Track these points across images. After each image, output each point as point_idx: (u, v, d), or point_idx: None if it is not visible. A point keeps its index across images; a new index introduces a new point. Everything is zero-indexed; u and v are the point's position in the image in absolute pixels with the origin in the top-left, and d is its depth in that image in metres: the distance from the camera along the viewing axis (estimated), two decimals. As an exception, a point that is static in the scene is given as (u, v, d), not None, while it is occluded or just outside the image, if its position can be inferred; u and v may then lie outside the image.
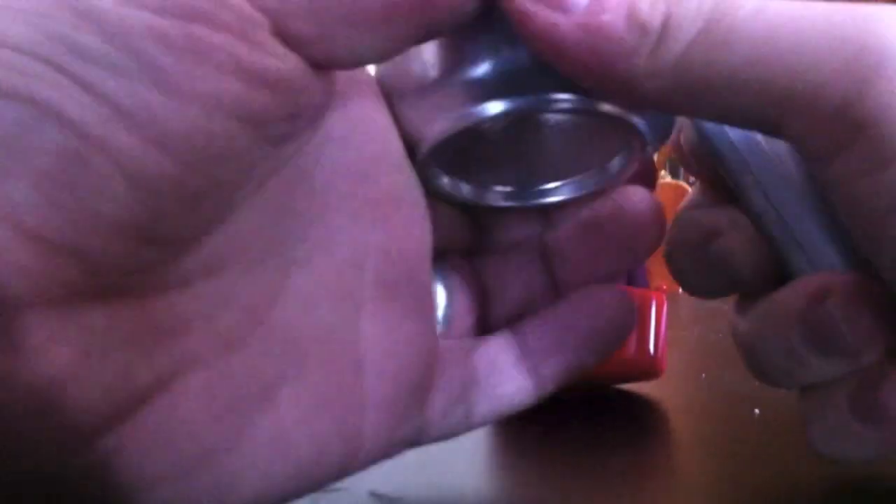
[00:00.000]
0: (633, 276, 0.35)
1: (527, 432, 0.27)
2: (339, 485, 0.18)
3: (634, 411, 0.32)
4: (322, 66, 0.14)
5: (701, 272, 0.20)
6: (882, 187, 0.14)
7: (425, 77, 0.17)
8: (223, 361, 0.15)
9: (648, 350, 0.33)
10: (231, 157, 0.13)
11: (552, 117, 0.19)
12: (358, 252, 0.17)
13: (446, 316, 0.21)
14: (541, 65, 0.16)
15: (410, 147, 0.19)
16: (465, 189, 0.21)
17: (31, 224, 0.11)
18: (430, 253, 0.19)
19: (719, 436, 0.28)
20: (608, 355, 0.21)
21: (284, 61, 0.13)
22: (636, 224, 0.21)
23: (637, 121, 0.18)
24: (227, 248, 0.15)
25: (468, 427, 0.20)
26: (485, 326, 0.22)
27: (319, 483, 0.17)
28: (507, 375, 0.20)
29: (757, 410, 0.30)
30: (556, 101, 0.17)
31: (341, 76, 0.16)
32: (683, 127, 0.21)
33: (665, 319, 0.33)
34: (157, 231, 0.13)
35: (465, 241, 0.22)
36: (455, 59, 0.17)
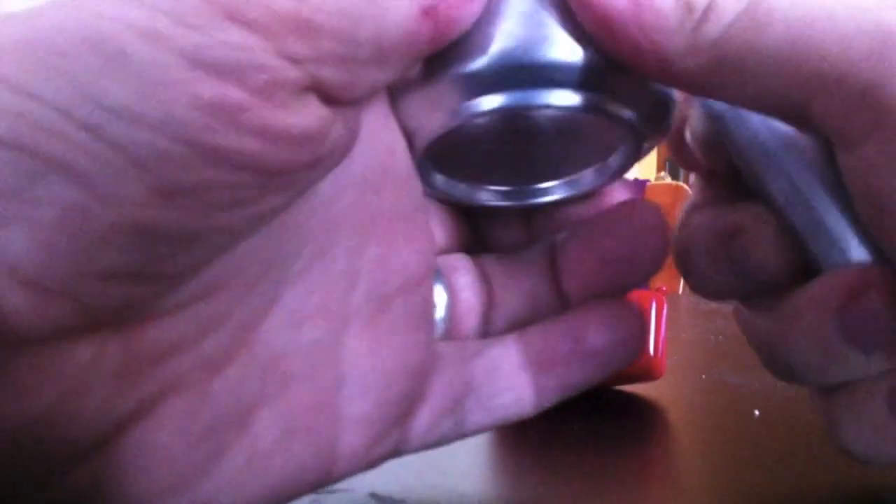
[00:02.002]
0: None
1: (527, 433, 0.27)
2: (340, 486, 0.18)
3: (634, 412, 0.32)
4: (346, 104, 0.14)
5: (720, 273, 0.20)
6: None
7: (420, 74, 0.17)
8: (205, 384, 0.15)
9: (648, 351, 0.33)
10: (241, 204, 0.13)
11: (547, 115, 0.19)
12: (353, 264, 0.17)
13: (446, 317, 0.21)
14: (534, 61, 0.16)
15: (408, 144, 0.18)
16: (461, 188, 0.21)
17: (28, 272, 0.12)
18: (433, 264, 0.19)
19: (719, 437, 0.29)
20: (615, 371, 0.20)
21: (306, 117, 0.13)
22: (643, 241, 0.20)
23: (632, 116, 0.18)
24: (224, 274, 0.15)
25: (459, 436, 0.20)
26: (490, 327, 0.22)
27: (293, 498, 0.17)
28: (507, 384, 0.20)
29: (757, 411, 0.30)
30: (551, 96, 0.17)
31: None
32: (691, 120, 0.20)
33: (665, 321, 0.33)
34: (152, 271, 0.13)
35: (471, 241, 0.22)
36: (449, 56, 0.17)
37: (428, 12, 0.14)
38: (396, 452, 0.19)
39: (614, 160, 0.20)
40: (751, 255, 0.19)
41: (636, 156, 0.20)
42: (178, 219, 0.12)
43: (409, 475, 0.23)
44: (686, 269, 0.20)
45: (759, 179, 0.19)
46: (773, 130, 0.18)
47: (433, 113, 0.17)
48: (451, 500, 0.22)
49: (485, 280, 0.21)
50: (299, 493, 0.17)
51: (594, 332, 0.20)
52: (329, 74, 0.13)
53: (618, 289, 0.21)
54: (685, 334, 0.49)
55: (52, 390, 0.12)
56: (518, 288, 0.21)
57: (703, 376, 0.37)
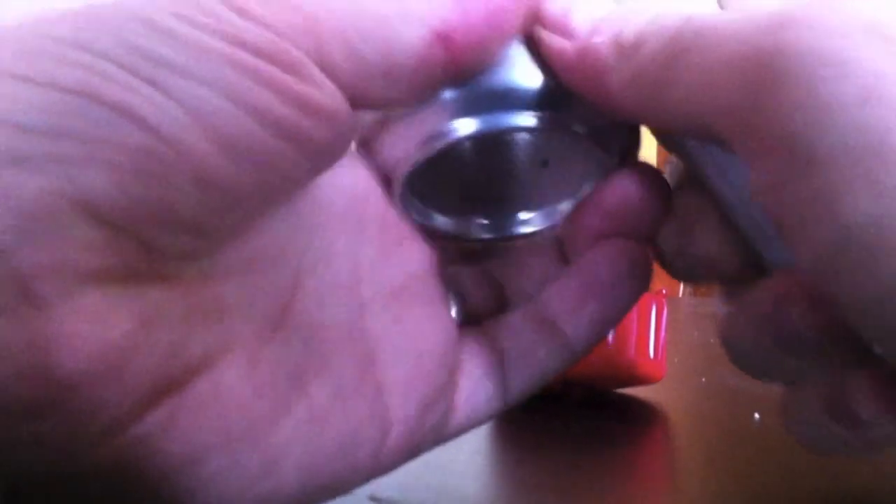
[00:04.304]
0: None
1: (527, 435, 0.27)
2: (339, 488, 0.18)
3: (634, 415, 0.32)
4: (357, 105, 0.16)
5: (683, 261, 0.20)
6: (795, 199, 0.14)
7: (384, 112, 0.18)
8: (259, 345, 0.17)
9: (648, 354, 0.33)
10: (278, 169, 0.15)
11: (518, 142, 0.19)
12: (353, 264, 0.19)
13: (462, 315, 0.21)
14: (506, 86, 0.17)
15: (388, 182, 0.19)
16: (441, 221, 0.21)
17: (102, 208, 0.13)
18: (434, 263, 0.20)
19: (719, 439, 0.29)
20: (633, 302, 0.21)
21: (332, 98, 0.15)
22: (640, 194, 0.20)
23: (596, 136, 0.19)
24: (255, 250, 0.16)
25: (504, 403, 0.20)
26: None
27: (355, 469, 0.18)
28: (534, 340, 0.20)
29: (757, 414, 0.30)
30: (519, 118, 0.18)
31: None
32: None
33: (665, 323, 0.33)
34: (208, 224, 0.14)
35: (473, 249, 0.22)
36: None
37: (442, 38, 0.16)
38: (446, 422, 0.20)
39: (587, 188, 0.21)
40: (698, 248, 0.20)
41: (607, 178, 0.20)
42: (232, 173, 0.14)
43: (407, 478, 0.23)
44: (656, 256, 0.21)
45: (706, 181, 0.19)
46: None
47: (408, 144, 0.18)
48: (450, 502, 0.22)
49: (493, 283, 0.22)
50: (360, 461, 0.18)
51: (603, 266, 0.20)
52: (340, 75, 0.15)
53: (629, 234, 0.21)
54: (685, 337, 0.49)
55: (127, 321, 0.14)
56: (528, 278, 0.22)
57: (703, 379, 0.37)
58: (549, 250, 0.22)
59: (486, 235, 0.22)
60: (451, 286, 0.21)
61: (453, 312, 0.21)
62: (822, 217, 0.13)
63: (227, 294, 0.16)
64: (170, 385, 0.15)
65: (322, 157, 0.16)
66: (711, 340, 0.48)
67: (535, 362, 0.20)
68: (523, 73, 0.18)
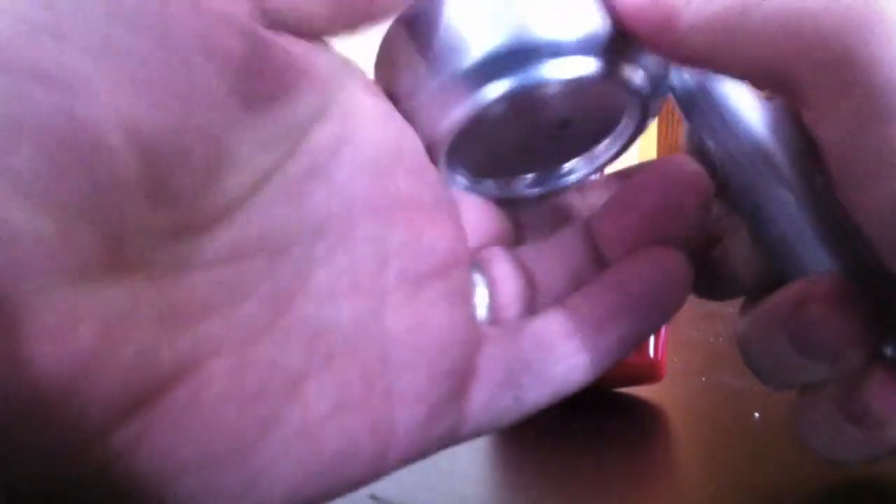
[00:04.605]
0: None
1: (527, 435, 0.27)
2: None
3: (634, 414, 0.32)
4: (278, 27, 0.15)
5: (705, 277, 0.21)
6: (872, 144, 0.14)
7: (421, 80, 0.17)
8: (246, 350, 0.15)
9: (648, 353, 0.33)
10: (212, 105, 0.13)
11: (554, 93, 0.19)
12: (379, 249, 0.17)
13: (490, 307, 0.20)
14: (529, 42, 0.17)
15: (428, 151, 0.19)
16: (488, 184, 0.21)
17: (39, 189, 0.11)
18: (464, 251, 0.19)
19: (719, 439, 0.28)
20: (668, 319, 0.20)
21: (240, 5, 0.14)
22: (678, 189, 0.20)
23: (634, 75, 0.18)
24: (246, 236, 0.15)
25: (519, 414, 0.19)
26: (535, 313, 0.21)
27: (351, 481, 0.16)
28: (558, 354, 0.19)
29: (757, 414, 0.30)
30: (553, 70, 0.17)
31: (335, 77, 0.16)
32: (683, 136, 0.21)
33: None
34: (162, 190, 0.13)
35: (505, 232, 0.22)
36: (444, 56, 0.17)
37: None
38: (456, 431, 0.18)
39: (625, 128, 0.21)
40: (726, 264, 0.20)
41: (645, 118, 0.20)
42: (164, 121, 0.13)
43: (408, 477, 0.23)
44: None
45: (732, 194, 0.19)
46: (740, 145, 0.19)
47: (446, 113, 0.18)
48: (450, 501, 0.22)
49: (524, 269, 0.21)
50: (358, 476, 0.16)
51: (637, 279, 0.19)
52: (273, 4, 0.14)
53: (661, 240, 0.20)
54: (685, 337, 0.49)
55: (88, 331, 0.12)
56: (560, 269, 0.21)
57: (704, 379, 0.37)
58: (583, 246, 0.20)
59: (533, 191, 0.21)
60: (481, 276, 0.20)
61: (479, 308, 0.20)
62: (892, 165, 0.13)
63: (212, 288, 0.14)
64: (139, 397, 0.13)
65: (255, 88, 0.14)
66: (711, 340, 0.48)
67: (557, 377, 0.19)
68: (547, 20, 0.17)
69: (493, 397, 0.18)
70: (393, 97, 0.18)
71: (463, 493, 0.23)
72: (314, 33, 0.16)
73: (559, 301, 0.20)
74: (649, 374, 0.33)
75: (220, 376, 0.14)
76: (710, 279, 0.21)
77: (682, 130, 0.21)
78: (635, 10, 0.17)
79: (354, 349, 0.16)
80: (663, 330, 0.33)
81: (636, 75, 0.18)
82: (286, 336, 0.15)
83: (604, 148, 0.21)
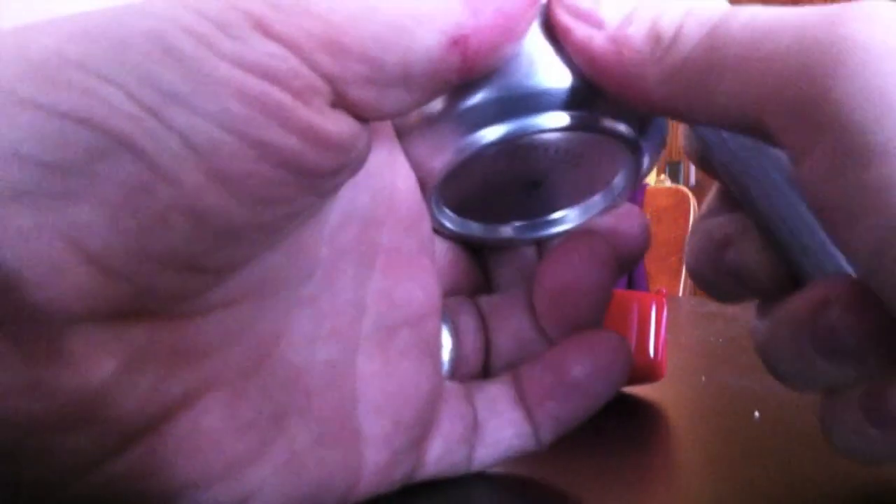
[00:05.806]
0: (633, 280, 0.36)
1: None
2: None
3: (634, 414, 0.32)
4: (370, 119, 0.15)
5: (719, 280, 0.21)
6: (850, 188, 0.13)
7: (423, 113, 0.18)
8: (240, 385, 0.16)
9: (648, 353, 0.33)
10: (279, 202, 0.14)
11: (548, 142, 0.19)
12: (359, 294, 0.18)
13: (452, 359, 0.21)
14: (532, 89, 0.17)
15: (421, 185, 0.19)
16: (475, 227, 0.21)
17: (93, 249, 0.12)
18: (439, 300, 0.20)
19: (719, 438, 0.29)
20: (604, 400, 0.21)
21: (339, 125, 0.14)
22: (626, 244, 0.21)
23: (626, 130, 0.18)
24: (246, 283, 0.16)
25: (466, 471, 0.20)
26: (489, 369, 0.22)
27: None
28: (506, 420, 0.20)
29: (757, 413, 0.30)
30: (548, 120, 0.17)
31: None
32: (685, 140, 0.21)
33: (665, 322, 0.34)
34: (202, 262, 0.14)
35: (473, 282, 0.22)
36: (451, 92, 0.17)
37: (458, 42, 0.15)
38: (411, 477, 0.19)
39: (618, 181, 0.21)
40: (740, 265, 0.20)
41: (637, 172, 0.20)
42: (228, 208, 0.13)
43: (409, 476, 0.23)
44: (693, 275, 0.21)
45: (740, 194, 0.19)
46: (748, 148, 0.19)
47: (438, 153, 0.18)
48: (450, 500, 0.22)
49: (483, 322, 0.22)
50: None
51: (574, 364, 0.20)
52: (356, 93, 0.14)
53: (592, 316, 0.21)
54: (685, 337, 0.49)
55: (109, 365, 0.13)
56: (506, 329, 0.22)
57: (704, 378, 0.37)
58: (528, 314, 0.21)
59: (520, 237, 0.22)
60: (447, 325, 0.21)
61: (446, 358, 0.21)
62: (873, 209, 0.13)
63: (212, 330, 0.16)
64: (148, 425, 0.14)
65: (327, 184, 0.15)
66: (711, 340, 0.48)
67: (504, 441, 0.20)
68: (546, 70, 0.17)
69: (448, 451, 0.20)
70: (395, 127, 0.19)
71: (463, 491, 0.23)
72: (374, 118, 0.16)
73: (510, 366, 0.21)
74: (649, 374, 0.33)
75: (219, 405, 0.16)
76: (723, 282, 0.21)
77: (682, 130, 0.21)
78: (601, 67, 0.17)
79: (328, 390, 0.18)
80: (663, 330, 0.33)
81: (623, 128, 0.18)
82: (272, 375, 0.17)
83: (597, 200, 0.21)
